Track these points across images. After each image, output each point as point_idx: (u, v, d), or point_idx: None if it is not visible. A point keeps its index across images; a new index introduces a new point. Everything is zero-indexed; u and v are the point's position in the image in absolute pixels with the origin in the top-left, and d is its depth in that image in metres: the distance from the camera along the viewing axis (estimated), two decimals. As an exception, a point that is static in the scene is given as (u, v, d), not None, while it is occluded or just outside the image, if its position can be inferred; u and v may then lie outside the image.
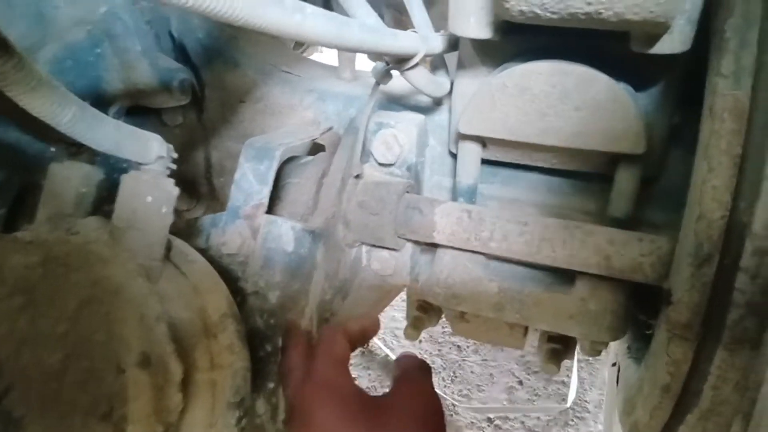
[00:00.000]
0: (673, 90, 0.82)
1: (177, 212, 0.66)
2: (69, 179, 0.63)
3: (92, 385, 0.49)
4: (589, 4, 0.62)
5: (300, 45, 1.56)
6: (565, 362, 1.11)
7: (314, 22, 0.52)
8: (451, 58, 0.97)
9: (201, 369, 0.60)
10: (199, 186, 1.17)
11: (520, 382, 2.28)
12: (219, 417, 0.60)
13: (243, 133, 1.10)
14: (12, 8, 0.80)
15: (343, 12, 0.68)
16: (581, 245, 0.83)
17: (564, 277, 0.93)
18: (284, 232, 0.78)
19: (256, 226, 0.77)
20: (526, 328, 1.10)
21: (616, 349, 1.29)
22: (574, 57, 0.79)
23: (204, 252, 0.73)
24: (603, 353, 1.04)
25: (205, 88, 1.10)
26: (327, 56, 1.76)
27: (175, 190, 0.62)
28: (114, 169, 0.70)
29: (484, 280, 0.92)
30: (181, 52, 1.07)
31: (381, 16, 1.21)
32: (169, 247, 0.64)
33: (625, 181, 0.85)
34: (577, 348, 1.06)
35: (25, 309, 0.49)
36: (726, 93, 0.65)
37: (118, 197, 0.60)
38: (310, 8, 0.52)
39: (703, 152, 0.69)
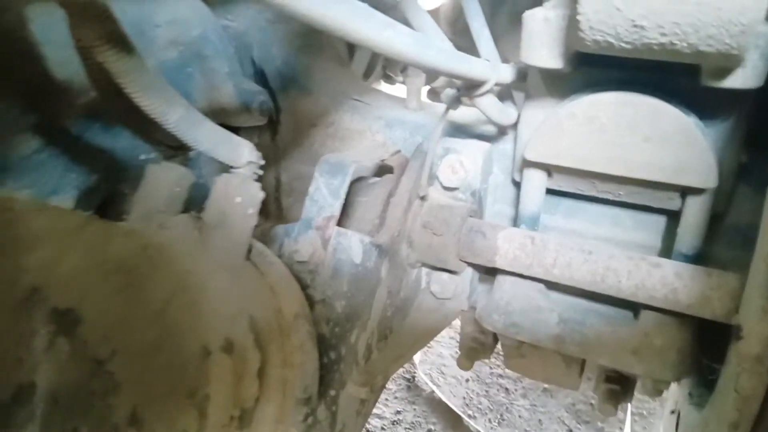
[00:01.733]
0: (741, 126, 0.82)
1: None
2: (164, 179, 0.68)
3: (181, 365, 0.52)
4: (664, 35, 0.64)
5: (367, 77, 1.63)
6: (619, 415, 1.08)
7: (402, 38, 0.56)
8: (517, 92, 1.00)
9: (274, 365, 0.63)
10: (268, 204, 1.22)
11: (570, 431, 2.20)
12: (288, 413, 0.63)
13: (313, 156, 1.15)
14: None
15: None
16: (647, 277, 0.82)
17: (627, 311, 0.92)
18: (353, 244, 0.81)
19: (327, 237, 0.81)
20: (583, 367, 1.08)
21: (675, 396, 1.25)
22: (643, 89, 0.80)
23: (277, 258, 0.77)
24: (658, 406, 1.01)
25: (281, 112, 1.17)
26: (393, 89, 1.83)
27: (261, 194, 0.67)
28: (204, 174, 0.75)
29: (545, 310, 0.92)
30: (260, 77, 1.14)
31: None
32: (250, 249, 0.68)
33: (693, 215, 0.84)
34: (630, 404, 1.04)
35: (125, 288, 0.53)
36: (802, 125, 0.65)
37: (210, 196, 0.64)
38: (400, 26, 0.57)
39: (777, 185, 0.69)
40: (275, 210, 1.22)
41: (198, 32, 0.95)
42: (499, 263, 0.90)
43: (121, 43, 0.49)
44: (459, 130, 1.07)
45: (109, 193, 0.91)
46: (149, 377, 0.49)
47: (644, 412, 2.17)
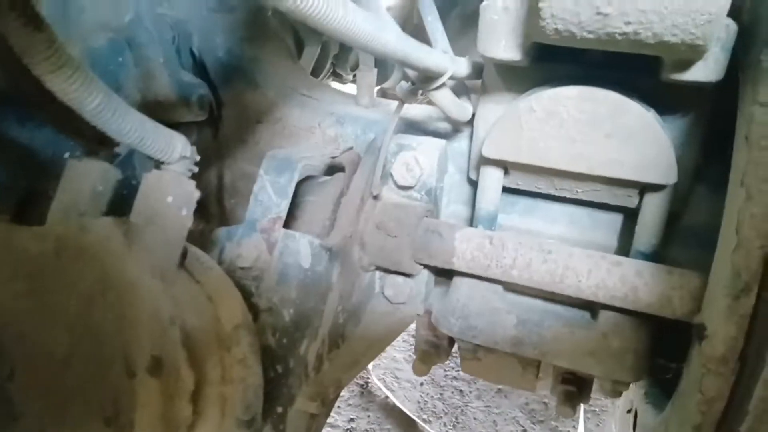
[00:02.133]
0: (701, 124, 0.81)
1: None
2: (86, 176, 0.60)
3: (98, 382, 0.45)
4: (628, 23, 0.61)
5: (317, 75, 1.57)
6: None
7: (355, 18, 0.51)
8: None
9: (212, 382, 0.56)
10: (209, 206, 1.14)
11: (525, 431, 2.19)
12: (228, 436, 0.56)
13: (258, 154, 1.08)
14: (38, 3, 0.80)
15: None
16: (607, 276, 0.80)
17: (585, 312, 0.90)
18: (302, 248, 0.75)
19: (272, 240, 0.74)
20: (538, 369, 1.05)
21: (631, 395, 1.24)
22: (601, 85, 0.78)
23: (217, 264, 0.70)
24: (610, 403, 1.00)
25: (223, 107, 1.09)
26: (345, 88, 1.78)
27: (197, 193, 0.60)
28: (133, 172, 0.68)
29: (503, 312, 0.89)
30: (201, 69, 1.06)
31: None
32: (184, 253, 0.61)
33: (651, 213, 0.83)
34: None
35: (32, 293, 0.46)
36: (764, 121, 0.64)
37: (139, 194, 0.57)
38: (353, 6, 0.51)
39: (738, 181, 0.67)
40: (217, 212, 1.15)
41: (130, 17, 0.87)
42: (457, 265, 0.86)
43: (26, 11, 0.42)
44: (413, 127, 1.03)
45: (28, 193, 0.82)
46: (58, 397, 0.42)
47: (596, 410, 2.20)
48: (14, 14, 0.40)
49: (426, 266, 0.92)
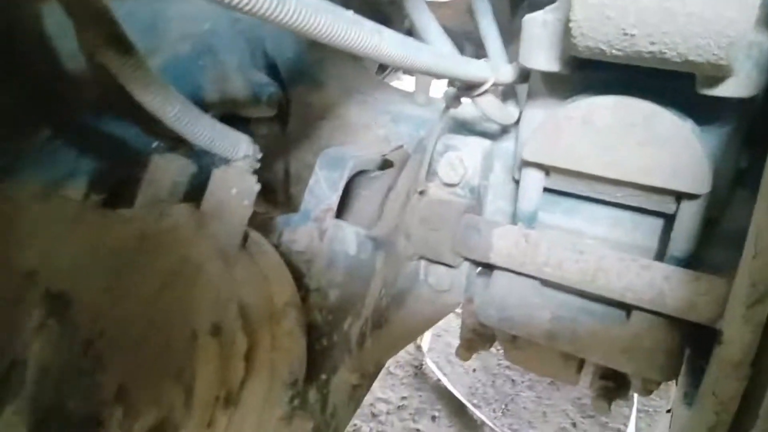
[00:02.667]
0: (739, 132, 0.82)
1: (255, 212, 0.73)
2: (167, 169, 0.72)
3: (169, 345, 0.56)
4: (653, 44, 0.65)
5: (382, 71, 1.65)
6: (624, 411, 1.09)
7: (389, 44, 0.58)
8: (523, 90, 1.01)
9: (263, 348, 0.66)
10: (277, 193, 1.26)
11: (574, 424, 2.21)
12: (275, 394, 0.66)
13: (320, 147, 1.18)
14: (133, 19, 0.92)
15: (422, 40, 0.74)
16: (636, 278, 0.83)
17: (620, 310, 0.93)
18: (348, 237, 0.84)
19: (323, 228, 0.84)
20: (581, 364, 1.09)
21: (674, 396, 1.26)
22: (641, 93, 0.81)
23: (275, 248, 0.80)
24: (664, 404, 1.03)
25: (291, 104, 1.20)
26: (406, 83, 1.84)
27: (257, 186, 0.70)
28: (206, 165, 0.79)
29: (538, 306, 0.94)
30: (272, 70, 1.17)
31: (461, 49, 1.28)
32: (245, 238, 0.71)
33: (686, 220, 0.85)
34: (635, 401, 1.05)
35: (119, 272, 0.57)
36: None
37: (208, 187, 0.68)
38: (387, 32, 0.59)
39: (764, 191, 0.69)
40: (283, 198, 1.26)
41: (208, 26, 0.99)
42: (494, 260, 0.92)
43: (120, 44, 0.53)
44: (463, 127, 1.09)
45: (123, 177, 0.95)
46: (137, 356, 0.53)
47: (650, 410, 2.18)
48: (113, 49, 0.50)
49: (467, 259, 0.98)
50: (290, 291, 0.72)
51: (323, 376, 0.80)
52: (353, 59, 1.31)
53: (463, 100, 0.93)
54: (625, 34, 0.65)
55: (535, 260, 0.89)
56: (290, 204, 1.27)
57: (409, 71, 0.69)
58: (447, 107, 0.92)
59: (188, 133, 0.62)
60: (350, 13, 0.53)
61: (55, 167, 0.78)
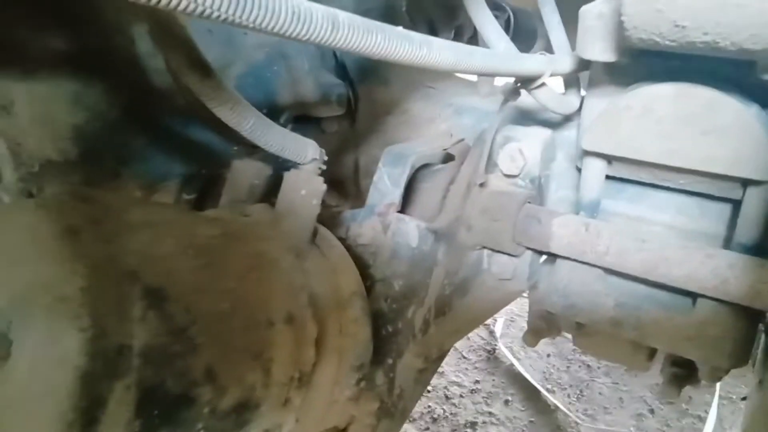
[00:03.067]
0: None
1: (325, 205, 0.80)
2: (245, 173, 0.80)
3: (249, 331, 0.64)
4: (706, 34, 0.65)
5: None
6: (706, 398, 1.08)
7: (439, 53, 0.62)
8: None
9: (331, 334, 0.73)
10: (347, 186, 1.33)
11: (652, 411, 2.16)
12: (343, 376, 0.73)
13: (387, 141, 1.24)
14: (211, 35, 1.01)
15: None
16: (700, 267, 0.83)
17: (685, 298, 0.93)
18: (410, 230, 0.89)
19: (387, 222, 0.89)
20: (652, 351, 1.09)
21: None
22: (703, 79, 0.80)
23: (343, 240, 0.87)
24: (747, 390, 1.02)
25: (359, 102, 1.26)
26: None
27: (324, 186, 0.77)
28: (279, 167, 0.86)
29: (602, 294, 0.95)
30: (341, 70, 1.23)
31: (531, 45, 1.29)
32: (315, 233, 0.78)
33: (753, 206, 0.83)
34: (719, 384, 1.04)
35: (206, 267, 0.65)
36: None
37: (281, 189, 0.75)
38: (437, 42, 0.63)
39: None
40: (354, 191, 1.33)
41: (281, 34, 1.06)
42: (554, 249, 0.94)
43: (201, 68, 0.60)
44: (524, 116, 1.11)
45: (211, 177, 1.05)
46: (223, 341, 0.61)
47: (733, 397, 2.09)
48: (194, 73, 0.58)
49: (529, 248, 1.01)
50: (356, 281, 0.78)
51: (389, 360, 0.86)
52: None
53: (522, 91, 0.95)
54: (677, 26, 0.66)
55: (596, 249, 0.91)
56: (360, 196, 1.34)
57: (461, 72, 0.73)
58: (506, 100, 0.94)
59: (262, 142, 0.69)
60: (399, 29, 0.58)
61: (151, 170, 0.89)
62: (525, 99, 1.15)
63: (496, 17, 1.35)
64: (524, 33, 1.67)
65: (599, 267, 0.94)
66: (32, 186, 0.74)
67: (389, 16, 1.27)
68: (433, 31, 1.58)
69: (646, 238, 0.88)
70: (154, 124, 0.90)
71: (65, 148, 0.79)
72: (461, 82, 1.32)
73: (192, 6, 0.36)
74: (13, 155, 0.72)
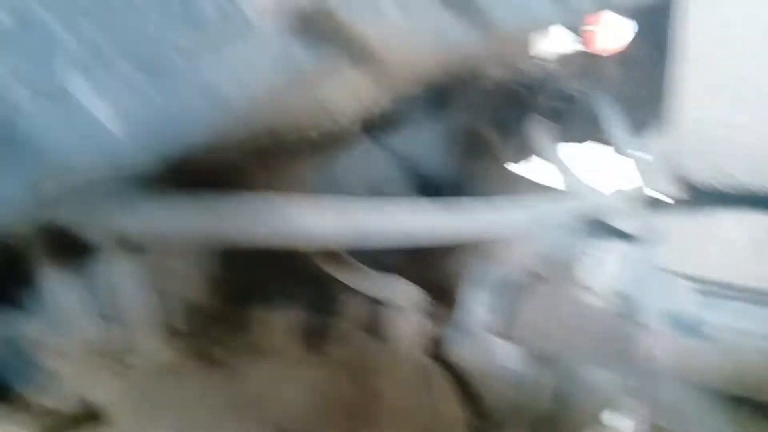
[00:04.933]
0: None
1: (425, 331, 0.91)
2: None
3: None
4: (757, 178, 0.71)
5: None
6: None
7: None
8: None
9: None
10: (450, 294, 1.42)
11: None
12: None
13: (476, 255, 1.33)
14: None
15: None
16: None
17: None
18: (507, 352, 0.97)
19: (483, 345, 0.99)
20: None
21: None
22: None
23: (441, 362, 0.97)
24: None
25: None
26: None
27: (427, 325, 0.88)
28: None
29: None
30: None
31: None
32: (419, 365, 0.90)
33: None
34: None
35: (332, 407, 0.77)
36: None
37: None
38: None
39: None
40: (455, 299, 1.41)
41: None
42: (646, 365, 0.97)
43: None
44: (605, 229, 1.16)
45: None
46: None
47: None
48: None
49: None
50: (455, 407, 0.88)
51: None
52: (498, 161, 1.45)
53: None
54: (727, 174, 0.72)
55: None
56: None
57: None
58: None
59: (363, 290, 0.83)
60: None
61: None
62: (606, 211, 1.20)
63: (564, 109, 1.44)
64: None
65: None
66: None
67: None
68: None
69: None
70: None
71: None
72: (542, 188, 1.39)
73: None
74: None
